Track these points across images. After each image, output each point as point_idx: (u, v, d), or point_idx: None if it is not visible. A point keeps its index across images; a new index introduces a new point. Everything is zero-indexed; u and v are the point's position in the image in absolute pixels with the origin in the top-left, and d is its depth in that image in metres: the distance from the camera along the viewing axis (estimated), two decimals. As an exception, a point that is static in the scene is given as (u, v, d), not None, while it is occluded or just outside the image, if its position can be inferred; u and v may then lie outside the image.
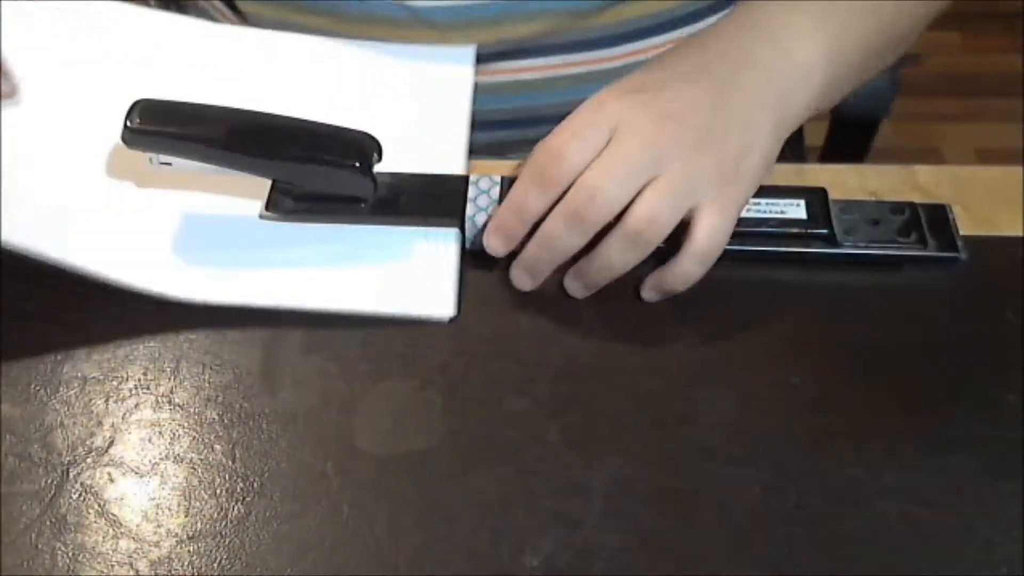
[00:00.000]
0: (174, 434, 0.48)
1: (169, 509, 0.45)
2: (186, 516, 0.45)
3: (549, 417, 0.48)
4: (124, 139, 0.51)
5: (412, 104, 0.61)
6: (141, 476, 0.47)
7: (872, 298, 0.53)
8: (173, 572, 0.43)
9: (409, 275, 0.53)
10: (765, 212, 0.54)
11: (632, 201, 0.49)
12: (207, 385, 0.50)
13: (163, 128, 0.52)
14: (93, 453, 0.47)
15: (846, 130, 0.88)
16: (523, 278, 0.53)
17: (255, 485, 0.46)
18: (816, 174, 0.59)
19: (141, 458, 0.47)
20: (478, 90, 0.63)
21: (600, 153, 0.49)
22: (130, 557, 0.44)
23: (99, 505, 0.46)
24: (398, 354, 0.51)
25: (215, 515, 0.45)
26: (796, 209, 0.54)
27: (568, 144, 0.49)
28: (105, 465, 0.47)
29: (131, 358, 0.51)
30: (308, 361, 0.51)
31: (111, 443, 0.48)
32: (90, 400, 0.49)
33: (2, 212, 0.51)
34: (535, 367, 0.50)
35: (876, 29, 0.57)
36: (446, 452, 0.47)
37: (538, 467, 0.47)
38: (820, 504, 0.45)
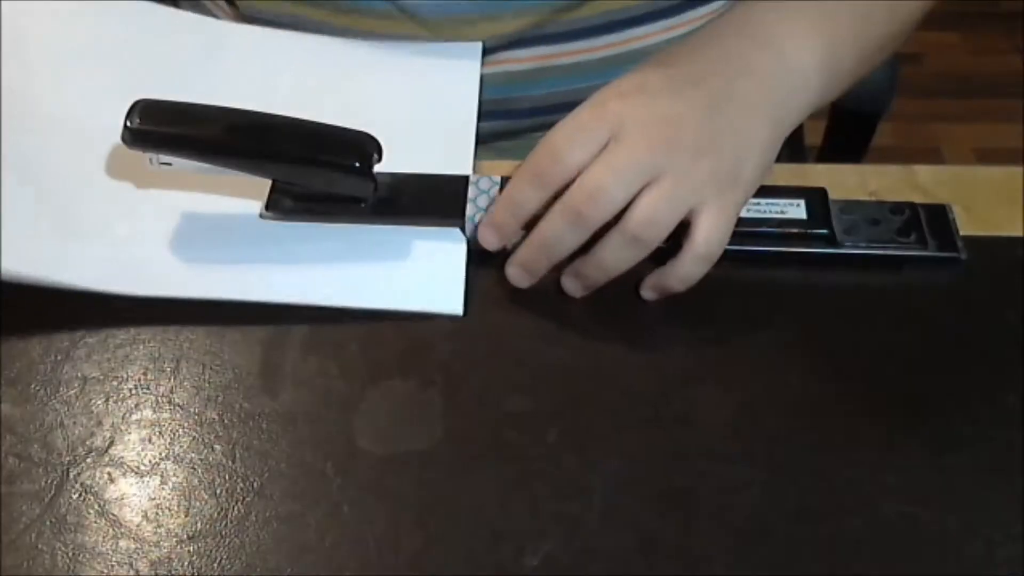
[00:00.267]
0: (174, 434, 0.48)
1: (169, 509, 0.45)
2: (186, 516, 0.45)
3: (549, 417, 0.48)
4: (124, 139, 0.51)
5: (418, 104, 0.61)
6: (141, 476, 0.47)
7: (872, 298, 0.53)
8: (173, 572, 0.43)
9: (418, 272, 0.54)
10: (765, 212, 0.54)
11: (631, 202, 0.49)
12: (207, 385, 0.50)
13: (163, 128, 0.52)
14: (93, 453, 0.47)
15: (845, 127, 0.87)
16: (520, 275, 0.53)
17: (255, 485, 0.46)
18: (816, 174, 0.59)
19: (141, 458, 0.47)
20: None
21: (599, 153, 0.49)
22: (130, 557, 0.44)
23: (99, 505, 0.46)
24: (398, 354, 0.51)
25: (215, 515, 0.45)
26: (796, 209, 0.54)
27: (567, 143, 0.49)
28: (105, 465, 0.47)
29: (131, 358, 0.51)
30: (308, 361, 0.51)
31: (111, 443, 0.48)
32: (90, 400, 0.49)
33: (2, 241, 0.52)
34: (535, 367, 0.50)
35: (869, 30, 0.57)
36: (446, 452, 0.47)
37: (538, 467, 0.47)
38: (820, 504, 0.45)
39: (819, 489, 0.46)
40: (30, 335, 0.51)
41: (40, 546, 0.44)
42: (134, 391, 0.49)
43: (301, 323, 0.52)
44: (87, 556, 0.44)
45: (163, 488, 0.46)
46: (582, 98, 0.52)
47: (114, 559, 0.44)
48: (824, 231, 0.54)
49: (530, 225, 0.51)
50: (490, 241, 0.52)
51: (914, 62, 1.84)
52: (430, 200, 0.55)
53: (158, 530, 0.45)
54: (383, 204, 0.55)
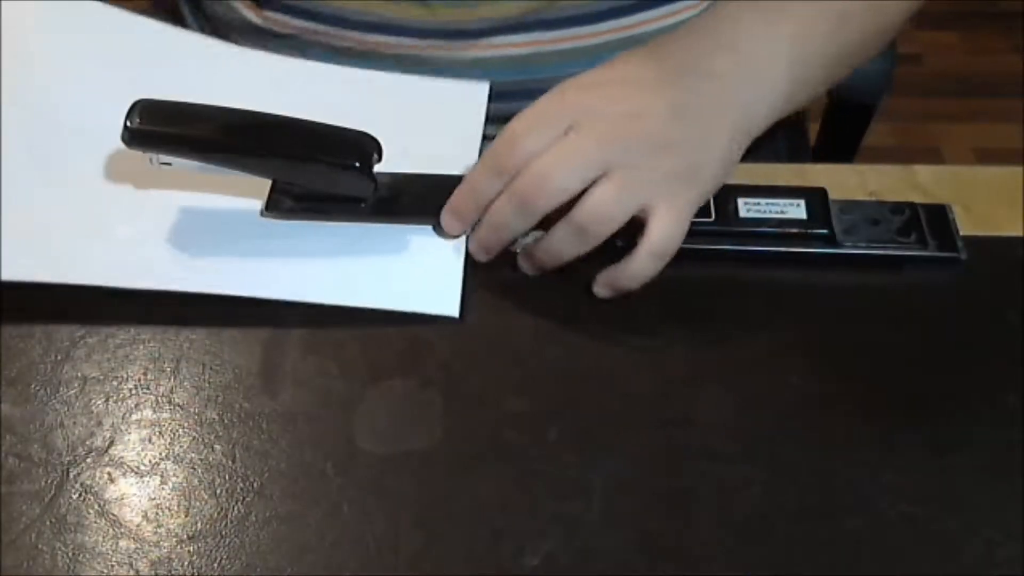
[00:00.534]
0: (174, 434, 0.48)
1: (169, 509, 0.45)
2: (186, 516, 0.45)
3: (549, 417, 0.48)
4: (124, 139, 0.51)
5: (423, 138, 0.60)
6: (141, 476, 0.46)
7: (872, 298, 0.53)
8: (173, 572, 0.43)
9: (416, 273, 0.54)
10: (765, 212, 0.54)
11: (583, 194, 0.49)
12: (207, 385, 0.50)
13: (163, 128, 0.52)
14: (93, 453, 0.47)
15: (841, 119, 0.87)
16: (477, 251, 0.54)
17: (255, 485, 0.46)
18: (816, 174, 0.59)
19: (141, 458, 0.47)
20: (463, 65, 0.64)
21: (555, 143, 0.49)
22: (130, 557, 0.44)
23: (99, 505, 0.46)
24: (398, 354, 0.51)
25: (215, 515, 0.45)
26: (796, 209, 0.54)
27: (525, 131, 0.50)
28: (105, 465, 0.47)
29: (131, 358, 0.51)
30: (308, 361, 0.51)
31: (111, 443, 0.48)
32: (90, 400, 0.49)
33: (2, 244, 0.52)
34: (535, 367, 0.50)
35: (843, 36, 0.57)
36: (446, 452, 0.47)
37: (538, 467, 0.47)
38: (820, 504, 0.45)
39: (819, 489, 0.46)
40: (30, 335, 0.51)
41: (40, 546, 0.44)
42: (134, 391, 0.49)
43: (301, 323, 0.52)
44: (87, 556, 0.44)
45: (163, 488, 0.46)
46: None
47: (114, 559, 0.44)
48: (824, 231, 0.54)
49: None
50: (451, 226, 0.53)
51: (913, 62, 1.84)
52: (430, 200, 0.55)
53: (158, 530, 0.45)
54: (383, 204, 0.55)
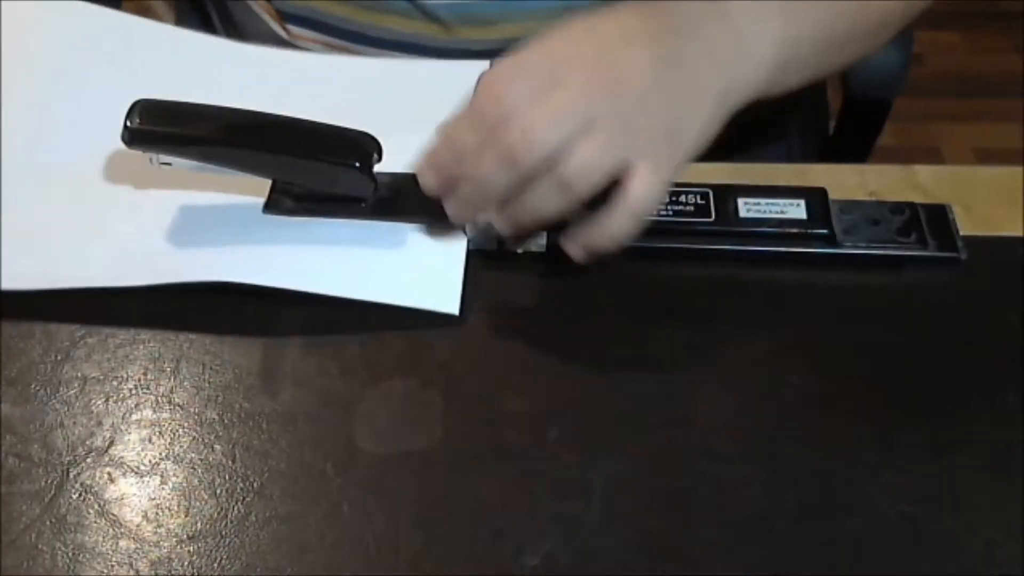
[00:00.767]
0: (174, 434, 0.48)
1: (169, 509, 0.45)
2: (186, 516, 0.45)
3: (549, 417, 0.48)
4: (124, 139, 0.51)
5: (423, 131, 0.60)
6: (141, 476, 0.46)
7: (872, 298, 0.53)
8: (173, 572, 0.43)
9: (417, 269, 0.54)
10: (765, 212, 0.54)
11: (567, 147, 0.47)
12: (207, 385, 0.50)
13: (163, 128, 0.52)
14: (93, 453, 0.47)
15: (856, 117, 0.86)
16: (459, 214, 0.51)
17: (255, 485, 0.46)
18: (816, 174, 0.59)
19: (141, 458, 0.47)
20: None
21: (539, 95, 0.48)
22: (130, 557, 0.44)
23: (99, 505, 0.46)
24: (398, 354, 0.51)
25: (215, 515, 0.45)
26: (796, 209, 0.54)
27: (507, 81, 0.48)
28: (105, 465, 0.47)
29: (131, 358, 0.51)
30: (308, 361, 0.51)
31: (111, 443, 0.48)
32: (90, 400, 0.49)
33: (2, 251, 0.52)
34: (535, 367, 0.50)
35: (838, 18, 0.55)
36: (446, 452, 0.47)
37: (538, 467, 0.47)
38: (820, 504, 0.45)
39: (819, 489, 0.46)
40: (30, 335, 0.51)
41: (40, 546, 0.44)
42: (134, 391, 0.49)
43: (301, 323, 0.52)
44: (87, 556, 0.44)
45: (163, 488, 0.46)
46: None
47: (114, 559, 0.44)
48: (824, 231, 0.54)
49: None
50: (428, 182, 0.51)
51: (914, 62, 1.84)
52: (429, 200, 0.55)
53: (158, 530, 0.45)
54: (383, 204, 0.55)
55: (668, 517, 0.45)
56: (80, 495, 0.46)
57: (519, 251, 0.54)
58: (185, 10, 0.82)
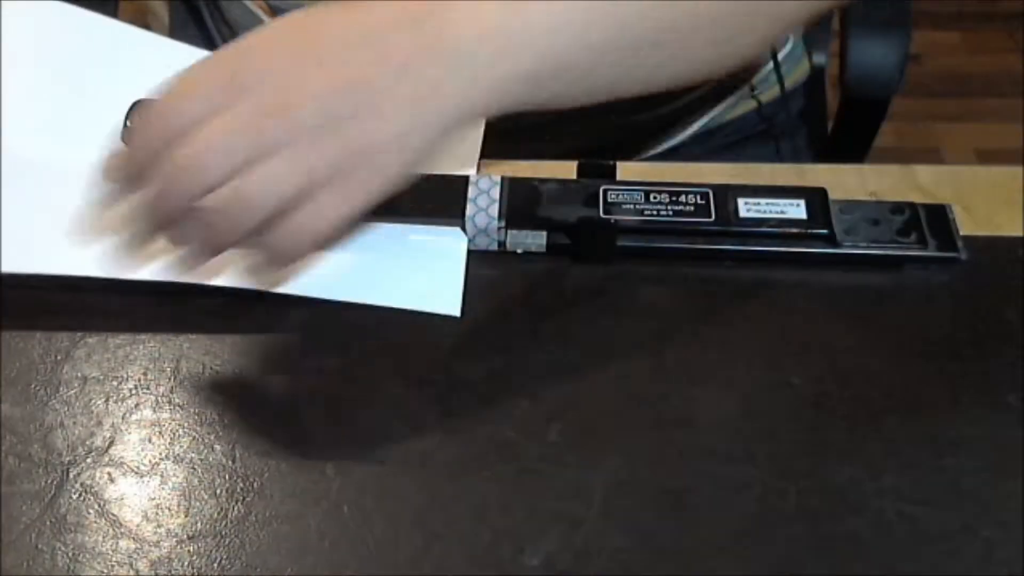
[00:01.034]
0: (174, 434, 0.48)
1: (169, 509, 0.45)
2: (186, 516, 0.45)
3: (549, 417, 0.48)
4: (124, 139, 0.51)
5: None
6: (141, 476, 0.46)
7: (872, 298, 0.53)
8: (173, 572, 0.43)
9: (417, 271, 0.54)
10: (765, 212, 0.54)
11: (235, 174, 0.45)
12: (207, 385, 0.50)
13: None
14: (93, 453, 0.47)
15: (854, 116, 0.86)
16: (123, 250, 0.48)
17: (255, 485, 0.46)
18: (816, 174, 0.59)
19: (141, 458, 0.47)
20: None
21: (210, 116, 0.45)
22: (130, 557, 0.44)
23: (99, 505, 0.46)
24: (398, 354, 0.51)
25: (215, 515, 0.45)
26: (796, 209, 0.54)
27: (175, 104, 0.45)
28: (105, 465, 0.47)
29: (131, 358, 0.51)
30: (308, 361, 0.51)
31: (111, 443, 0.48)
32: (90, 400, 0.49)
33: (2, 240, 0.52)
34: (536, 367, 0.50)
35: (637, 16, 0.48)
36: (446, 452, 0.47)
37: (538, 467, 0.47)
38: (820, 504, 0.45)
39: (819, 489, 0.46)
40: (30, 335, 0.51)
41: (40, 546, 0.44)
42: (134, 391, 0.49)
43: (301, 322, 0.52)
44: (87, 556, 0.44)
45: (163, 488, 0.46)
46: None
47: (114, 559, 0.44)
48: (824, 231, 0.54)
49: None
50: (100, 194, 0.48)
51: (914, 62, 1.84)
52: (430, 201, 0.55)
53: (158, 530, 0.45)
54: (382, 206, 0.55)
55: (668, 517, 0.45)
56: (80, 495, 0.46)
57: (519, 251, 0.54)
58: (178, 8, 0.82)
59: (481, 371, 0.50)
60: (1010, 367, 0.50)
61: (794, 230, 0.54)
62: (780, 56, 0.78)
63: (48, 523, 0.45)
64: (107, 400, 0.49)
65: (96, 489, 0.46)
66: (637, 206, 0.54)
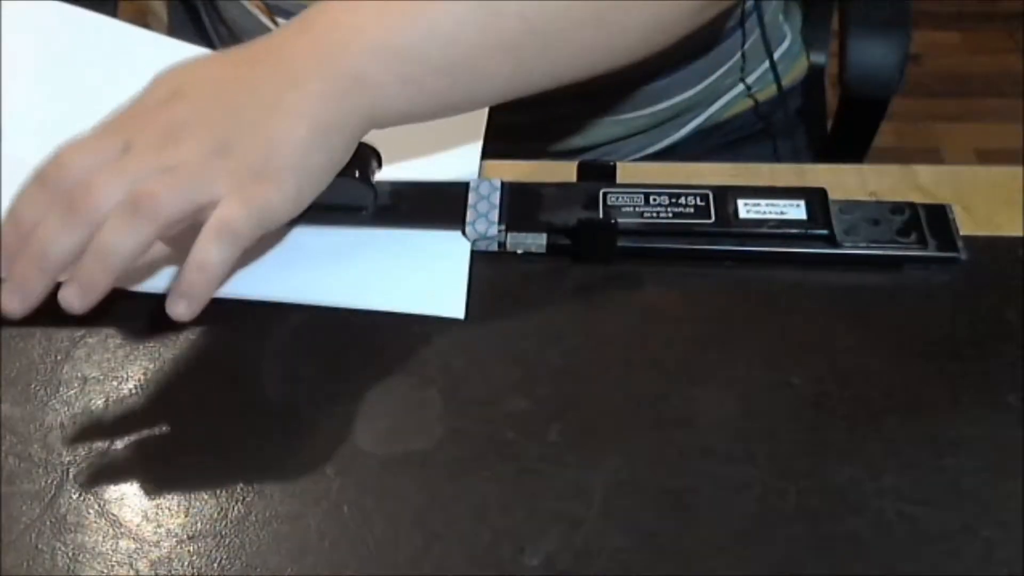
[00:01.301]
0: (174, 434, 0.48)
1: (169, 509, 0.45)
2: (186, 516, 0.45)
3: (549, 417, 0.48)
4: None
5: (423, 144, 0.60)
6: (141, 476, 0.46)
7: (872, 298, 0.53)
8: (173, 572, 0.43)
9: (421, 274, 0.53)
10: (765, 212, 0.54)
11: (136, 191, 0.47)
12: (207, 385, 0.50)
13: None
14: (93, 453, 0.47)
15: (855, 113, 0.86)
16: (11, 297, 0.48)
17: (255, 485, 0.46)
18: (816, 174, 0.59)
19: (141, 458, 0.47)
20: None
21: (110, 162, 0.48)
22: (130, 557, 0.44)
23: (99, 505, 0.46)
24: (398, 354, 0.51)
25: (215, 515, 0.45)
26: (796, 209, 0.54)
27: (75, 152, 0.48)
28: (105, 465, 0.47)
29: (131, 358, 0.51)
30: (307, 361, 0.51)
31: (111, 443, 0.48)
32: (90, 400, 0.49)
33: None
34: (535, 367, 0.50)
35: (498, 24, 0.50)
36: (446, 452, 0.47)
37: (538, 467, 0.47)
38: (820, 504, 0.45)
39: (819, 489, 0.46)
40: (30, 335, 0.51)
41: (40, 546, 0.44)
42: (134, 391, 0.49)
43: (301, 323, 0.52)
44: (87, 556, 0.44)
45: (163, 488, 0.46)
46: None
47: (114, 559, 0.44)
48: (824, 231, 0.54)
49: None
50: None
51: (913, 62, 1.84)
52: (431, 207, 0.55)
53: (158, 530, 0.45)
54: (384, 212, 0.55)
55: (668, 517, 0.45)
56: (80, 495, 0.46)
57: (519, 251, 0.54)
58: (177, 8, 0.82)
59: (481, 371, 0.50)
60: (1010, 367, 0.50)
61: (794, 230, 0.54)
62: (776, 54, 0.78)
63: (48, 523, 0.45)
64: (107, 400, 0.49)
65: (96, 489, 0.46)
66: (637, 208, 0.54)
